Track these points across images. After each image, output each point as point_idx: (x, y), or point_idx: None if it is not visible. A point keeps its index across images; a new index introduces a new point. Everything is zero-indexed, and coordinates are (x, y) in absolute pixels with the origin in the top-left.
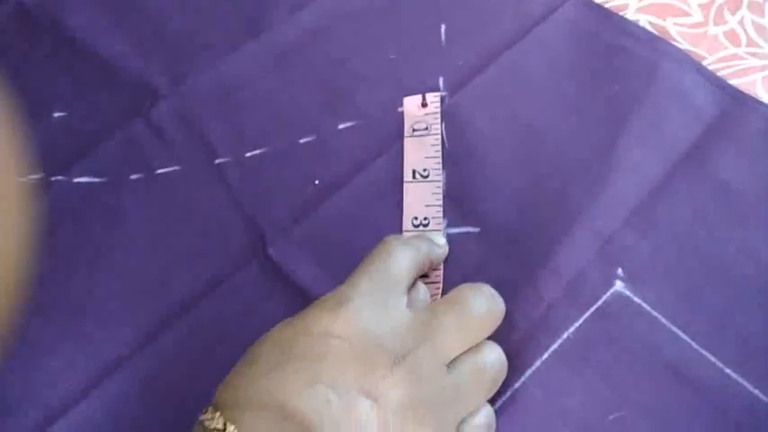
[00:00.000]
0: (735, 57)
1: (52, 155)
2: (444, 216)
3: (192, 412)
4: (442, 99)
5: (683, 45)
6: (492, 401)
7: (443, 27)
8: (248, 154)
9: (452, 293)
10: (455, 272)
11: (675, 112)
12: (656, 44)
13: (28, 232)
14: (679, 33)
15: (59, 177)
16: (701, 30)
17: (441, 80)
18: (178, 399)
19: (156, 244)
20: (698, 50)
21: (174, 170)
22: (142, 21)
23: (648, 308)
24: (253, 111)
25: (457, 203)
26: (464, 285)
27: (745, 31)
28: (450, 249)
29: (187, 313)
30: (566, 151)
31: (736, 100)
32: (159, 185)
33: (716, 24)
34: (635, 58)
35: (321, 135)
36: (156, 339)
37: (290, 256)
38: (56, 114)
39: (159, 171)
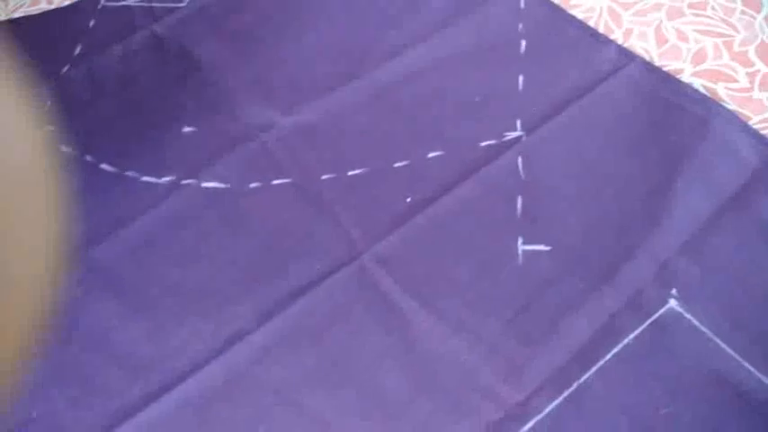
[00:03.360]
0: None
1: (183, 162)
2: (521, 234)
3: (302, 378)
4: (520, 138)
5: (731, 106)
6: (559, 392)
7: (521, 78)
8: (350, 172)
9: None
10: (528, 282)
11: (723, 161)
12: (707, 104)
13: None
14: (728, 96)
15: (189, 181)
16: (748, 94)
17: (518, 122)
18: (289, 368)
19: (268, 241)
20: (744, 111)
21: (287, 182)
22: (259, 54)
23: (697, 323)
24: (354, 138)
25: (532, 225)
26: None
27: None
28: (524, 263)
29: (295, 301)
30: (627, 187)
31: None
32: (274, 193)
33: (761, 90)
34: (689, 115)
35: (413, 161)
36: (272, 319)
37: (380, 263)
38: (185, 129)
39: (274, 182)
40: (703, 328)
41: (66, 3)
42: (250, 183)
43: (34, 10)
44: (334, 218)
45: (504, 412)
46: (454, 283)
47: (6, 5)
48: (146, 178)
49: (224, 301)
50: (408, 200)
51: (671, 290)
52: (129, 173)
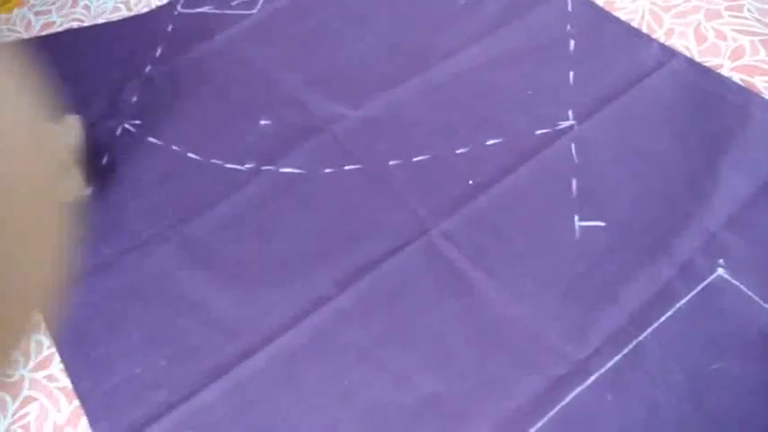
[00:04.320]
0: None
1: (262, 151)
2: (577, 212)
3: (379, 338)
4: (572, 127)
5: None
6: (618, 350)
7: (572, 73)
8: (415, 159)
9: None
10: (585, 256)
11: (762, 145)
12: (746, 94)
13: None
14: (765, 89)
15: (269, 167)
16: None
17: (570, 112)
18: (368, 329)
19: (343, 219)
20: None
21: (358, 168)
22: (324, 55)
23: (745, 289)
24: (416, 128)
25: (587, 203)
26: None
27: None
28: (581, 238)
29: (370, 271)
30: (673, 169)
31: None
32: (346, 177)
33: None
34: (729, 104)
35: (473, 147)
36: (349, 287)
37: (446, 240)
38: (262, 122)
39: (346, 167)
40: (750, 293)
41: (145, 10)
42: (324, 168)
43: (115, 16)
44: (403, 199)
45: (568, 367)
46: (516, 255)
47: (89, 12)
48: (229, 165)
49: (305, 271)
50: (471, 182)
51: (718, 259)
52: (214, 160)
